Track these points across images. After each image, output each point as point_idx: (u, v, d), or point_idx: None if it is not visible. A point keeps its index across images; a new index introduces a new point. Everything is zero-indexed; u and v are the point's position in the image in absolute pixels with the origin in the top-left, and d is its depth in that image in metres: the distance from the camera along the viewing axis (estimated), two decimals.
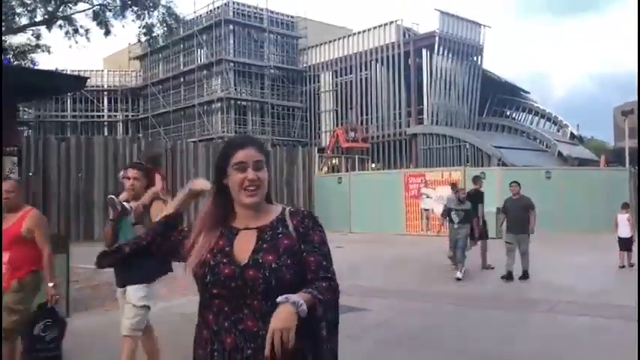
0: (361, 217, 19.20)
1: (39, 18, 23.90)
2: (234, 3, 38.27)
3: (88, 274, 8.47)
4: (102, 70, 45.80)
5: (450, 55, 35.65)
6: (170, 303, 7.01)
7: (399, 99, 36.24)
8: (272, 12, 39.75)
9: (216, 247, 1.75)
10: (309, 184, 21.55)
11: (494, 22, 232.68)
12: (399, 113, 36.41)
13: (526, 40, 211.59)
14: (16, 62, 23.18)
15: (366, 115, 37.75)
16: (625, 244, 10.46)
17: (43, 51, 26.36)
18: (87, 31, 25.02)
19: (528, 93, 44.82)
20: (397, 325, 6.45)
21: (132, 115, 44.77)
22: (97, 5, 24.38)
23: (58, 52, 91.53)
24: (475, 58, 37.41)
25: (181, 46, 40.60)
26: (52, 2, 23.42)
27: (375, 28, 37.64)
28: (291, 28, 41.01)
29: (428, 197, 18.00)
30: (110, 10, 24.68)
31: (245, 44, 38.75)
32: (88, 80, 12.33)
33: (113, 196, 3.79)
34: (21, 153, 10.80)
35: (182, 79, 40.68)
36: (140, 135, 40.63)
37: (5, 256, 3.88)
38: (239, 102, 38.33)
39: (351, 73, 38.35)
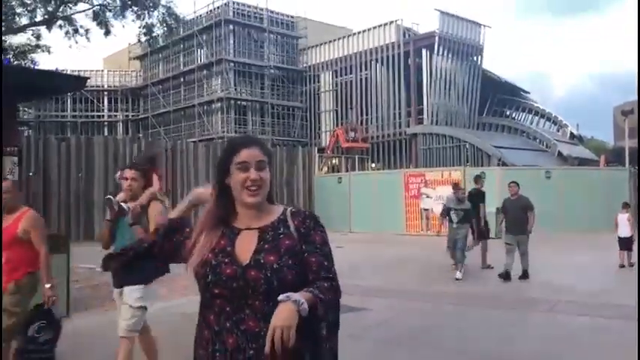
0: (361, 217, 19.21)
1: (39, 18, 23.91)
2: (234, 3, 38.26)
3: (88, 274, 8.49)
4: (102, 70, 45.79)
5: (450, 55, 35.65)
6: (170, 303, 7.02)
7: (399, 99, 36.24)
8: (272, 12, 39.75)
9: (217, 246, 1.75)
10: (309, 184, 21.55)
11: (494, 22, 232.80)
12: (399, 113, 36.41)
13: (526, 40, 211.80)
14: (16, 62, 23.17)
15: (366, 115, 37.75)
16: (625, 244, 10.47)
17: (43, 51, 26.40)
18: (87, 31, 25.05)
19: (528, 93, 44.84)
20: (397, 325, 6.45)
21: (132, 115, 44.76)
22: (97, 5, 24.39)
23: (58, 52, 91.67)
24: (475, 58, 37.41)
25: (181, 46, 40.59)
26: (52, 2, 23.43)
27: (375, 28, 37.63)
28: (291, 28, 41.00)
29: (428, 197, 18.01)
30: (110, 10, 24.70)
31: (245, 44, 38.75)
32: (88, 80, 12.32)
33: (111, 197, 3.78)
34: (21, 153, 10.80)
35: (182, 79, 40.67)
36: (140, 135, 40.64)
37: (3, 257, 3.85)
38: (239, 102, 38.33)
39: (351, 73, 38.35)
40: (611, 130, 49.73)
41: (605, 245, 11.60)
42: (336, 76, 39.29)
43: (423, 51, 35.60)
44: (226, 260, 1.71)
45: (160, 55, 42.39)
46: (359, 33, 38.79)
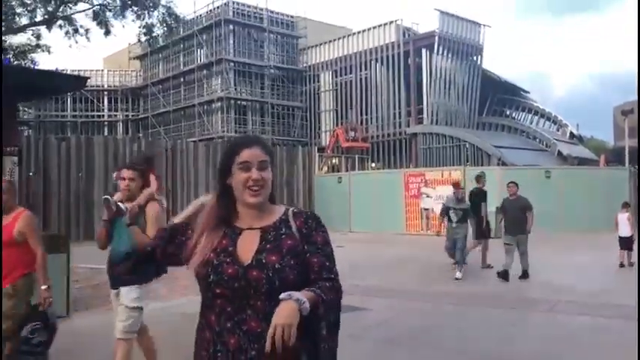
0: (361, 217, 19.21)
1: (39, 18, 23.92)
2: (234, 3, 38.28)
3: (88, 273, 8.48)
4: (102, 70, 45.81)
5: (450, 55, 35.66)
6: (170, 303, 7.03)
7: (399, 98, 36.25)
8: (272, 12, 39.77)
9: (219, 246, 1.74)
10: (309, 183, 21.55)
11: (494, 22, 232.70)
12: (399, 113, 36.42)
13: (526, 40, 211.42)
14: (16, 62, 23.18)
15: (366, 114, 37.76)
16: (625, 243, 10.48)
17: (43, 51, 26.41)
18: (87, 31, 25.08)
19: (528, 92, 44.84)
20: (397, 325, 6.45)
21: (132, 115, 44.78)
22: (97, 5, 24.41)
23: (58, 52, 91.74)
24: (475, 58, 37.43)
25: (181, 45, 40.61)
26: (52, 2, 23.43)
27: (374, 27, 37.65)
28: (291, 27, 41.02)
29: (428, 197, 18.00)
30: (110, 10, 24.72)
31: (245, 44, 38.76)
32: (88, 80, 12.30)
33: (108, 197, 3.75)
34: (21, 153, 10.81)
35: (182, 79, 40.69)
36: (140, 135, 40.65)
37: None
38: (239, 102, 38.34)
39: (350, 73, 38.37)
40: (611, 130, 49.72)
41: (605, 245, 11.60)
42: (336, 76, 39.31)
43: (423, 51, 35.62)
44: (228, 260, 1.70)
45: (160, 55, 42.41)
46: (359, 33, 38.81)
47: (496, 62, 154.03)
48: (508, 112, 42.74)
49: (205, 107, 38.36)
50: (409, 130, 35.57)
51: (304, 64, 41.10)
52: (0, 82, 6.41)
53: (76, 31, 24.81)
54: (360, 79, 37.87)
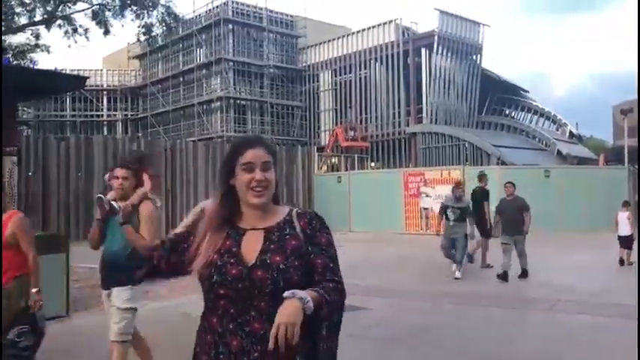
0: (361, 216, 19.20)
1: (38, 18, 23.92)
2: (233, 2, 38.26)
3: (87, 273, 8.47)
4: (101, 70, 45.79)
5: (449, 54, 35.66)
6: (170, 303, 7.03)
7: (398, 98, 36.25)
8: (271, 11, 39.75)
9: (223, 247, 1.73)
10: (309, 183, 21.54)
11: (494, 21, 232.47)
12: (399, 112, 36.42)
13: (526, 40, 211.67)
14: (15, 62, 23.17)
15: (366, 114, 37.76)
16: (625, 243, 10.49)
17: (43, 50, 26.44)
18: (86, 30, 25.10)
19: (527, 92, 44.84)
20: (397, 324, 6.45)
21: (131, 115, 44.75)
22: (96, 5, 24.40)
23: (58, 52, 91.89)
24: (474, 57, 37.43)
25: (180, 45, 40.58)
26: (51, 2, 23.43)
27: (374, 27, 37.64)
28: (290, 27, 41.00)
29: (427, 196, 18.00)
30: (109, 10, 24.73)
31: (244, 43, 38.74)
32: (88, 80, 12.31)
33: (102, 195, 3.72)
34: (21, 153, 10.80)
35: (181, 79, 40.66)
36: (139, 134, 40.60)
37: None
38: (238, 101, 38.32)
39: (350, 72, 38.36)
40: (611, 129, 49.72)
41: (605, 244, 11.60)
42: (336, 75, 39.31)
43: (423, 50, 35.62)
44: (232, 260, 1.69)
45: (160, 55, 42.39)
46: (358, 32, 38.80)
47: (496, 62, 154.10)
48: (507, 112, 42.75)
49: (205, 107, 38.34)
50: (408, 129, 35.57)
51: (304, 64, 41.09)
52: (0, 82, 6.40)
53: (75, 30, 24.83)
54: (360, 79, 37.86)
